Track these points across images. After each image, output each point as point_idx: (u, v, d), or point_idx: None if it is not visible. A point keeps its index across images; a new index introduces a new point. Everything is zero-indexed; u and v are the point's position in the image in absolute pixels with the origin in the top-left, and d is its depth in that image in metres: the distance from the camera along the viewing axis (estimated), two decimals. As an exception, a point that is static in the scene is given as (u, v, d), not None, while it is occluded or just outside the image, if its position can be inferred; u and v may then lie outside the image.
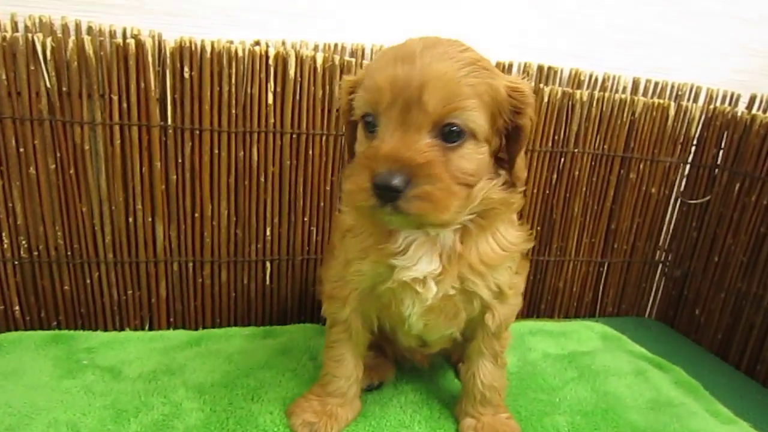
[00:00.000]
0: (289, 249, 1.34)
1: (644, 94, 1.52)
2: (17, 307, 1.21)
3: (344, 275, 0.89)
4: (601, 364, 1.26)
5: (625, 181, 1.54)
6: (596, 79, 1.48)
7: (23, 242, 1.18)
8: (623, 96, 1.47)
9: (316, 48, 1.26)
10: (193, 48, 1.16)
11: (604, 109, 1.47)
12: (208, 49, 1.16)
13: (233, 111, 1.21)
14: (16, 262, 1.19)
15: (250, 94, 1.21)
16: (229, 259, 1.31)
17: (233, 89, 1.20)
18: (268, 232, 1.31)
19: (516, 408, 1.07)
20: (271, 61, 1.20)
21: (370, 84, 0.73)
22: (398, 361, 1.15)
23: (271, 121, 1.24)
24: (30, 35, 1.08)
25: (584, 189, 1.52)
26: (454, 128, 0.71)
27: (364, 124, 0.77)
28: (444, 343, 1.01)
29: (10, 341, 1.14)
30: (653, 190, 1.57)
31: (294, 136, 1.26)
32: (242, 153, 1.24)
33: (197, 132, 1.21)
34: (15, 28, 1.11)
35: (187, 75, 1.17)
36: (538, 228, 1.52)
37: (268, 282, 1.35)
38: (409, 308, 0.85)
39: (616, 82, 1.49)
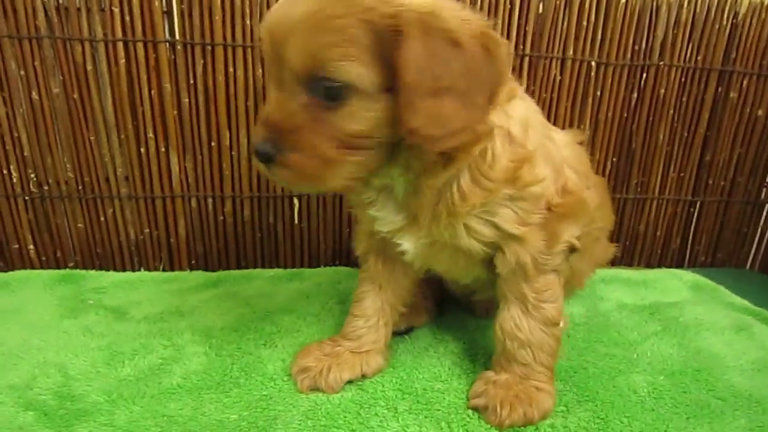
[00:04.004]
0: (319, 184, 1.19)
1: (750, -9, 1.23)
2: (32, 246, 1.14)
3: None
4: (691, 317, 1.04)
5: (723, 101, 1.27)
6: (688, -26, 1.20)
7: (32, 176, 1.10)
8: (723, -7, 1.20)
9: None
10: (200, -52, 1.01)
11: (697, 10, 1.20)
12: (216, -52, 1.01)
13: (248, 22, 1.07)
14: (26, 198, 1.11)
15: (267, 1, 1.05)
16: (251, 195, 1.17)
17: (246, -4, 1.05)
18: (294, 164, 1.16)
19: (582, 364, 0.88)
20: (288, -39, 1.03)
21: (258, 33, 0.62)
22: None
23: (292, 32, 1.07)
24: (21, -59, 0.97)
25: (671, 112, 1.26)
26: (329, 84, 0.58)
27: None
28: (492, 289, 0.82)
29: (18, 279, 1.07)
30: (760, 113, 1.28)
31: (319, 50, 1.10)
32: (260, 71, 1.09)
33: (209, 48, 1.07)
34: (6, -65, 1.01)
35: (193, -19, 1.03)
36: (614, 159, 1.28)
37: (296, 221, 1.21)
38: (407, 256, 0.77)
39: (713, -24, 1.21)
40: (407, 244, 0.73)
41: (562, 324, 0.95)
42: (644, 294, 1.13)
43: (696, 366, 0.88)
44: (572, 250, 0.78)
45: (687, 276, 1.22)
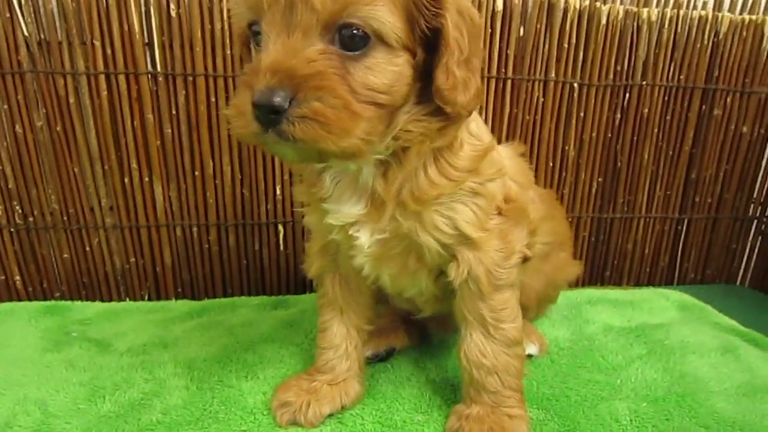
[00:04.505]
0: (304, 209, 1.19)
1: (731, 10, 1.23)
2: (18, 277, 1.15)
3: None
4: (677, 339, 1.03)
5: (708, 118, 1.27)
6: (668, -6, 1.21)
7: (17, 207, 1.10)
8: (703, 13, 1.20)
9: (320, -27, 1.09)
10: (179, -19, 1.02)
11: (679, 30, 1.21)
12: (195, -19, 1.02)
13: (228, 52, 1.07)
14: (12, 229, 1.12)
15: (247, 32, 1.06)
16: (236, 222, 1.18)
17: (227, 27, 1.05)
18: (278, 191, 1.17)
19: (565, 391, 0.87)
20: (267, -8, 1.04)
21: None
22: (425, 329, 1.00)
23: (273, 61, 1.08)
24: (2, -23, 0.99)
25: (656, 130, 1.26)
26: (355, 30, 0.55)
27: (252, 36, 0.61)
28: (434, 305, 0.84)
29: (3, 312, 1.08)
30: (744, 129, 1.29)
31: (300, 78, 1.10)
32: (246, 67, 1.09)
33: (190, 78, 1.08)
34: (-12, -28, 1.02)
35: (174, 13, 1.04)
36: (600, 179, 1.28)
37: (281, 247, 1.21)
38: (357, 259, 0.74)
39: (694, -5, 1.22)
40: (364, 237, 0.70)
41: (537, 349, 0.95)
42: (631, 315, 1.12)
43: (680, 391, 0.88)
44: (525, 259, 0.78)
45: (674, 295, 1.21)
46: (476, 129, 0.72)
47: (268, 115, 0.53)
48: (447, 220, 0.69)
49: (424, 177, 0.67)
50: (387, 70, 0.58)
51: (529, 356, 0.94)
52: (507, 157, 0.80)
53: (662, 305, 1.17)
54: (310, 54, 0.54)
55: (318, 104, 0.53)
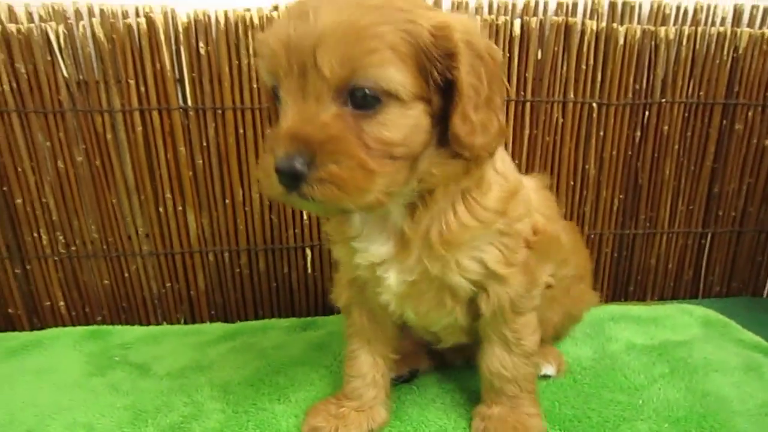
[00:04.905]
0: (330, 233, 1.23)
1: (749, 25, 1.23)
2: (62, 303, 1.21)
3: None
4: (700, 356, 1.04)
5: (729, 133, 1.27)
6: (685, 12, 1.21)
7: (60, 237, 1.17)
8: (722, 29, 1.20)
9: (341, 7, 1.13)
10: (206, 21, 1.07)
11: (697, 47, 1.21)
12: (222, 20, 1.07)
13: (255, 86, 1.12)
14: (56, 258, 1.18)
15: (272, 66, 1.11)
16: (266, 247, 1.22)
17: (252, 62, 1.10)
18: (304, 216, 1.21)
19: (587, 412, 0.89)
20: (291, 27, 1.09)
21: (264, 50, 0.60)
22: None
23: (297, 93, 1.12)
24: (43, 24, 1.05)
25: (676, 147, 1.27)
26: (367, 91, 0.57)
27: (275, 98, 0.64)
28: (457, 336, 0.86)
29: (50, 337, 1.14)
30: (767, 143, 1.28)
31: (324, 108, 1.14)
32: (269, 131, 1.14)
33: (219, 112, 1.13)
34: (30, 19, 1.08)
35: (203, 51, 1.09)
36: (621, 196, 1.29)
37: (309, 270, 1.25)
38: (383, 296, 0.77)
39: (711, 13, 1.22)
40: (392, 278, 0.73)
41: (554, 369, 0.97)
42: (654, 333, 1.13)
43: (702, 411, 0.88)
44: (547, 286, 0.83)
45: (698, 311, 1.21)
46: (502, 166, 0.73)
47: (290, 179, 0.57)
48: (477, 263, 0.72)
49: (454, 218, 0.69)
50: (401, 124, 0.60)
51: (546, 377, 0.96)
52: (532, 189, 0.83)
53: (685, 322, 1.17)
54: (324, 119, 0.57)
55: (334, 167, 0.56)
